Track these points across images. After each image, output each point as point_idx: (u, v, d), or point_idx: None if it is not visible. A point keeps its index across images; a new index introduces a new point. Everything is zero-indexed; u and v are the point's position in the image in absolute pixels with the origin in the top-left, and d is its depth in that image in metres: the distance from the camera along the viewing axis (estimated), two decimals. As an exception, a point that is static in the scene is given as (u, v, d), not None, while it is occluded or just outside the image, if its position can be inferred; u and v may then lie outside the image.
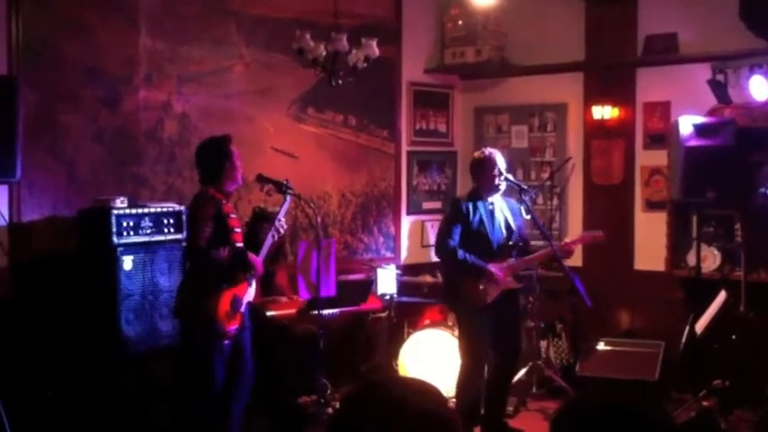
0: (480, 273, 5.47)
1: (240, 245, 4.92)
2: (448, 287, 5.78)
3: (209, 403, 4.81)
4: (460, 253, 5.47)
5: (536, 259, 5.83)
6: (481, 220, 5.54)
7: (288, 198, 5.17)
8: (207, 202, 4.84)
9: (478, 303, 5.47)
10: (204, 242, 4.75)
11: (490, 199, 5.61)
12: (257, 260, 4.92)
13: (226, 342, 4.83)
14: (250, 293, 4.94)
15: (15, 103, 5.01)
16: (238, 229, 4.96)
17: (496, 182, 5.56)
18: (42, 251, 5.47)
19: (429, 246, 7.73)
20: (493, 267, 5.48)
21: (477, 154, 5.76)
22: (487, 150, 5.69)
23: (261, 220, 5.68)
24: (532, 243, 5.92)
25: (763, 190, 6.41)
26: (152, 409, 5.34)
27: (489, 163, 5.56)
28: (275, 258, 6.08)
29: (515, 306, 5.83)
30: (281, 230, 5.12)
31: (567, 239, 5.93)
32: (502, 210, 5.65)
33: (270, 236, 5.05)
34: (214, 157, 4.91)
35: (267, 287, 6.00)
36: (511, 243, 5.62)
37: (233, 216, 4.95)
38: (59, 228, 5.54)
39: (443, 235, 5.59)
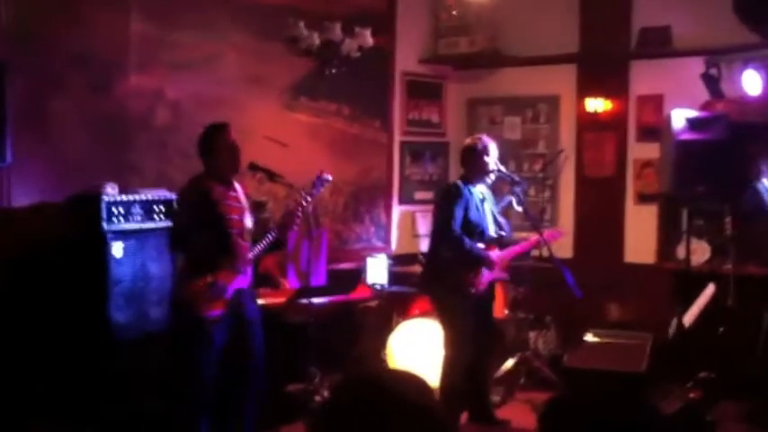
0: (480, 262, 5.45)
1: (235, 231, 4.85)
2: (436, 275, 5.62)
3: (196, 396, 4.77)
4: (467, 241, 5.36)
5: (522, 251, 5.81)
6: (477, 208, 5.51)
7: (303, 201, 5.08)
8: (188, 187, 4.89)
9: (470, 292, 5.46)
10: (181, 230, 4.81)
11: (478, 188, 5.58)
12: (244, 248, 4.87)
13: (214, 333, 4.77)
14: (240, 281, 4.88)
15: (4, 88, 4.99)
16: (234, 216, 4.87)
17: (487, 171, 5.52)
18: (32, 236, 5.45)
19: (419, 236, 7.74)
20: (492, 255, 5.48)
21: (469, 140, 5.66)
22: (481, 138, 5.60)
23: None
24: (522, 235, 5.93)
25: (754, 184, 6.43)
26: (141, 395, 5.34)
27: (482, 151, 5.51)
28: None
29: (492, 296, 5.82)
30: (292, 228, 5.09)
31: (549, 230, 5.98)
32: (488, 200, 5.63)
33: (278, 230, 5.03)
34: (203, 146, 4.91)
35: (254, 274, 5.97)
36: (498, 235, 5.61)
37: (228, 203, 4.87)
38: (49, 213, 5.51)
39: (449, 220, 5.36)
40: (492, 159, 5.51)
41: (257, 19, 6.65)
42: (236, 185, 4.99)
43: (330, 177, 5.29)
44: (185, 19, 6.27)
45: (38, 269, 5.34)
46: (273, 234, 5.01)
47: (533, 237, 5.76)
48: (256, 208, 5.43)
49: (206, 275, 4.74)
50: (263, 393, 5.04)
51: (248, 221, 4.96)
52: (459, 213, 5.39)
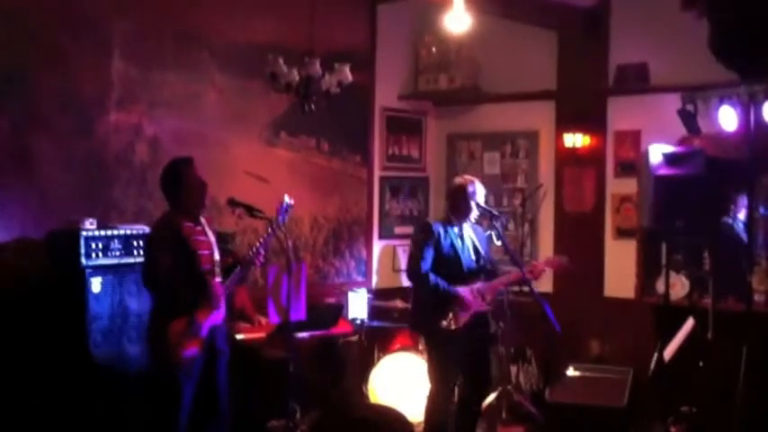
0: (451, 299, 5.46)
1: (206, 267, 4.77)
2: (418, 312, 5.69)
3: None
4: (432, 278, 5.44)
5: (504, 283, 5.81)
6: (452, 245, 5.53)
7: (270, 231, 5.03)
8: (162, 225, 4.77)
9: (448, 328, 5.46)
10: (164, 271, 4.63)
11: (461, 225, 5.62)
12: (217, 284, 4.80)
13: (192, 372, 4.71)
14: (215, 317, 4.80)
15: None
16: (204, 252, 4.79)
17: (471, 211, 5.58)
18: (11, 273, 5.42)
19: (400, 270, 7.74)
20: (463, 292, 5.47)
21: (460, 180, 5.68)
22: (473, 181, 5.60)
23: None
24: (504, 268, 5.93)
25: (726, 219, 6.51)
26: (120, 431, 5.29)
27: (471, 195, 5.55)
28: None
29: (486, 333, 5.79)
30: (257, 262, 4.99)
31: (535, 262, 5.98)
32: (470, 235, 5.66)
33: (244, 264, 4.95)
34: (170, 181, 4.80)
35: (228, 309, 5.91)
36: (479, 267, 5.63)
37: (197, 238, 4.78)
38: (29, 249, 5.49)
39: (415, 258, 5.51)
40: (476, 202, 5.56)
41: (237, 57, 6.69)
42: (201, 219, 4.89)
43: (291, 201, 5.23)
44: (166, 58, 6.31)
45: (17, 304, 5.31)
46: (243, 269, 4.96)
47: (515, 272, 5.72)
48: (224, 240, 5.38)
49: (184, 315, 4.66)
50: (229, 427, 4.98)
51: (216, 255, 4.87)
52: (428, 253, 5.47)
